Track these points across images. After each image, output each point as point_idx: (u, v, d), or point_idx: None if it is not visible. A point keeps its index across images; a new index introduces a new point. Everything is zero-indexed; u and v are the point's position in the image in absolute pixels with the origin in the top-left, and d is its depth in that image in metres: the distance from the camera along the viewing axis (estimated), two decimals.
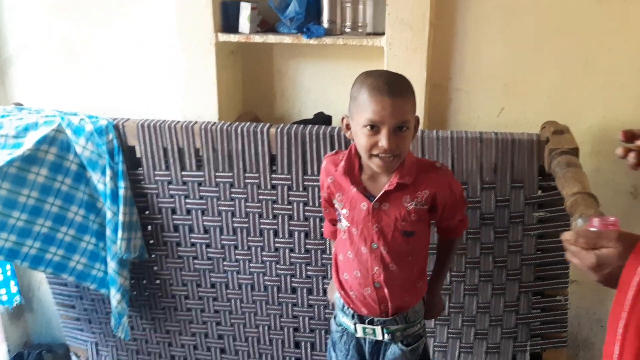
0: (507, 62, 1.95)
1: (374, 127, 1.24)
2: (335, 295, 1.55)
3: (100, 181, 1.91)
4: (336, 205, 1.44)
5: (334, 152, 1.48)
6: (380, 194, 1.35)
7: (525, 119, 1.99)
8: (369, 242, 1.38)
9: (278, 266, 1.99)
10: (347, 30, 1.96)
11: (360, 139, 1.28)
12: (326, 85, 2.16)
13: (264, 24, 2.05)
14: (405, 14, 1.85)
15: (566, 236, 0.89)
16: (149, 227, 2.02)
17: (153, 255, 2.06)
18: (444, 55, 1.98)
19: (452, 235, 1.53)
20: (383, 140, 1.23)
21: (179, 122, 1.90)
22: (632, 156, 1.00)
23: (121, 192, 1.91)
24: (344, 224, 1.42)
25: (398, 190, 1.34)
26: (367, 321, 1.46)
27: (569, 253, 0.89)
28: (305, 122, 2.07)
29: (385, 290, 1.41)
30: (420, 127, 1.88)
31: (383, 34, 1.90)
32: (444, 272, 1.58)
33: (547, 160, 1.69)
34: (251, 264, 2.01)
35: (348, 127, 1.35)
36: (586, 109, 1.95)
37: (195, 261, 2.04)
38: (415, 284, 1.47)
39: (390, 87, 1.24)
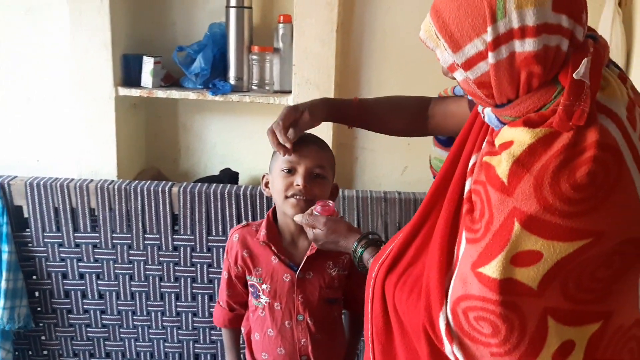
0: None
1: (291, 171, 1.24)
2: None
3: None
4: (252, 282, 1.34)
5: (243, 224, 1.39)
6: (303, 262, 1.30)
7: (427, 177, 2.05)
8: (294, 314, 1.32)
9: (180, 332, 1.88)
10: (254, 87, 1.95)
11: (277, 183, 1.26)
12: (233, 140, 2.13)
13: (169, 78, 2.00)
14: (312, 75, 1.87)
15: (296, 218, 1.21)
16: (36, 294, 1.86)
17: (40, 324, 1.89)
18: None
19: (359, 309, 1.47)
20: (298, 179, 1.23)
21: (72, 180, 1.78)
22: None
23: (5, 256, 1.75)
24: (263, 300, 1.33)
25: (321, 256, 1.31)
26: None
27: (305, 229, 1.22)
28: (210, 178, 2.02)
29: None
30: None
31: (290, 92, 1.92)
32: (354, 350, 1.52)
33: None
34: (151, 330, 1.89)
35: (267, 185, 1.32)
36: None
37: (89, 329, 1.89)
38: (337, 349, 1.42)
39: (308, 137, 1.27)
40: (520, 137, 0.78)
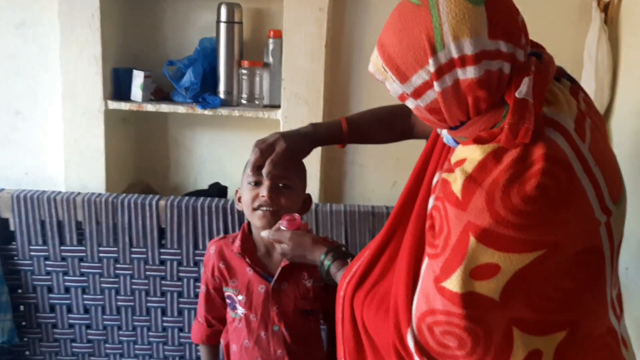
0: None
1: (257, 183, 1.26)
2: None
3: None
4: (228, 294, 1.36)
5: (221, 236, 1.43)
6: (278, 272, 1.31)
7: None
8: (270, 325, 1.33)
9: (166, 347, 1.87)
10: (244, 101, 1.96)
11: (245, 196, 1.29)
12: (223, 155, 2.13)
13: (159, 92, 2.00)
14: (301, 89, 1.88)
15: (263, 234, 1.22)
16: (21, 308, 1.85)
17: (25, 339, 1.87)
18: None
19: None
20: (263, 191, 1.24)
21: (59, 193, 1.78)
22: None
23: None
24: (239, 311, 1.34)
25: (295, 267, 1.31)
26: None
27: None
28: (199, 193, 2.01)
29: None
30: (316, 200, 1.89)
31: (279, 106, 1.92)
32: None
33: None
34: (136, 346, 1.87)
35: (240, 199, 1.34)
36: None
37: (74, 344, 1.87)
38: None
39: None
40: (471, 154, 0.81)
